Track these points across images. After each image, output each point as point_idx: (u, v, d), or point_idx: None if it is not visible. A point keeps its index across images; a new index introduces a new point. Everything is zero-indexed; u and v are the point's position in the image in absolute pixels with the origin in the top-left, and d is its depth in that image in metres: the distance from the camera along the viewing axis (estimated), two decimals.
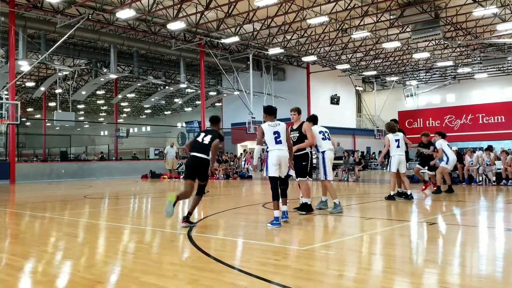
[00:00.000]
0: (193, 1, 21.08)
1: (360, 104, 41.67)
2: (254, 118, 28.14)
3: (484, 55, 30.25)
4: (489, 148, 16.02)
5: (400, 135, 10.13)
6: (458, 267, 4.46)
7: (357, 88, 39.19)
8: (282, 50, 28.62)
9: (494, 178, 14.99)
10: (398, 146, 9.96)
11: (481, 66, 34.42)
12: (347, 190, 14.40)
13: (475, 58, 31.93)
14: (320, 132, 8.40)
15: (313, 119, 8.52)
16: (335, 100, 35.06)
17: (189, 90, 38.36)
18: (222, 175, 22.20)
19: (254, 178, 21.66)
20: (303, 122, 7.89)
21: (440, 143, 11.52)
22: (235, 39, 25.06)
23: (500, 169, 14.88)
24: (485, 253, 5.00)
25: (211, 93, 40.50)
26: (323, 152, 8.36)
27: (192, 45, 27.58)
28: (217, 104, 43.49)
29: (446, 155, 11.45)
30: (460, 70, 36.07)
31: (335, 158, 12.11)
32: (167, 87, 34.35)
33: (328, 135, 8.56)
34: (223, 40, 25.81)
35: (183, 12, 22.05)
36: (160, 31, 25.46)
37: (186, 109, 55.52)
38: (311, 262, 4.61)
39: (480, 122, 37.81)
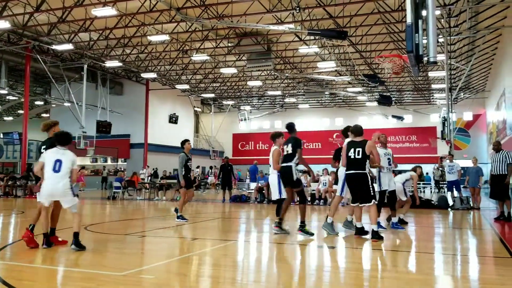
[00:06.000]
0: (21, 1, 19.13)
1: (198, 124, 42.65)
2: (86, 132, 26.43)
3: (306, 88, 34.06)
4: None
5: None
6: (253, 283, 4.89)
7: (196, 109, 40.17)
8: (120, 64, 27.73)
9: (309, 198, 16.80)
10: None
11: (304, 98, 38.65)
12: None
13: (299, 90, 35.72)
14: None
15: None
16: (173, 119, 35.21)
17: (10, 98, 34.34)
18: None
19: (81, 197, 20.21)
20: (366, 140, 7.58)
21: None
22: (69, 46, 23.41)
23: (314, 190, 16.78)
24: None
25: (38, 103, 36.80)
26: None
27: (17, 48, 24.81)
28: (44, 115, 39.69)
29: None
30: (287, 100, 39.99)
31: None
32: None
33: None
34: (54, 46, 23.84)
35: (9, 11, 19.82)
36: None
37: (6, 118, 49.23)
38: None
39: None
